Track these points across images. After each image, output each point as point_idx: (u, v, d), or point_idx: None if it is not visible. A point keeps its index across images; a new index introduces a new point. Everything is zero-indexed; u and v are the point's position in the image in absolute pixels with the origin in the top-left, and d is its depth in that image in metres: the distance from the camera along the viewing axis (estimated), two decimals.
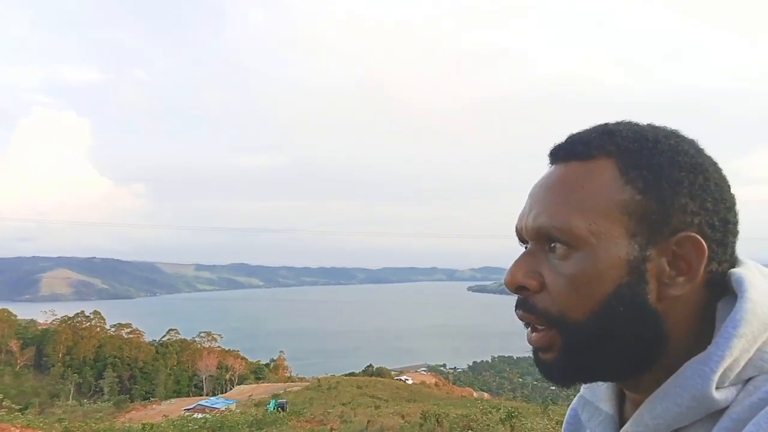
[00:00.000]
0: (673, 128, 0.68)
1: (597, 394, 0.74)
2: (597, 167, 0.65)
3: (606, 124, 0.69)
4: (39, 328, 73.46)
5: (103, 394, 59.12)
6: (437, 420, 13.53)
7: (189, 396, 55.32)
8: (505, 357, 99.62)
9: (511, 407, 15.41)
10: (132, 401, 47.84)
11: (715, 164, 0.66)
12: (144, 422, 17.06)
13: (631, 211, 0.63)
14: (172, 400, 47.64)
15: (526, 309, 0.67)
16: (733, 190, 0.67)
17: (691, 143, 0.67)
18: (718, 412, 0.59)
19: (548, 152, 0.71)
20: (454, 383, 71.63)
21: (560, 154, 0.69)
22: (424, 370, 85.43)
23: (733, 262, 0.66)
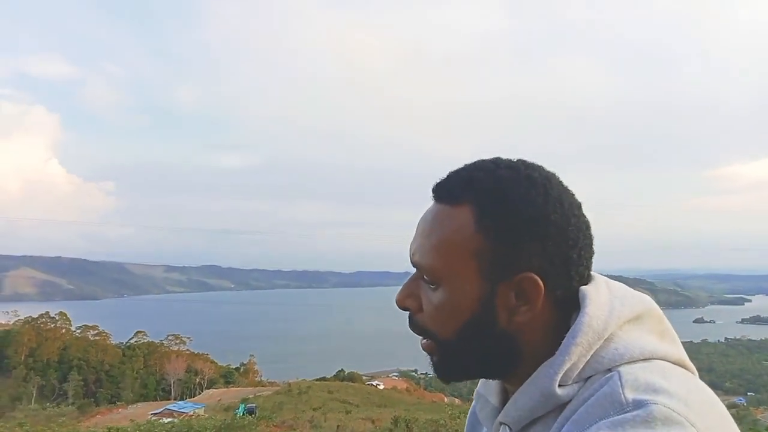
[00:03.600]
0: (528, 172, 0.79)
1: (488, 389, 0.90)
2: (458, 214, 0.79)
3: (474, 169, 0.82)
4: (0, 329, 71.42)
5: (67, 398, 57.61)
6: (407, 425, 13.61)
7: (156, 400, 54.28)
8: None
9: None
10: (97, 405, 46.96)
11: (561, 207, 0.78)
12: (110, 426, 16.76)
13: (482, 256, 0.77)
14: (139, 404, 46.77)
15: (411, 324, 0.84)
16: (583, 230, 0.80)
17: (542, 184, 0.79)
18: (565, 405, 0.74)
19: (432, 187, 0.84)
20: (425, 389, 71.73)
21: (436, 194, 0.83)
22: (396, 375, 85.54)
23: (587, 281, 0.80)
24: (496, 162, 0.82)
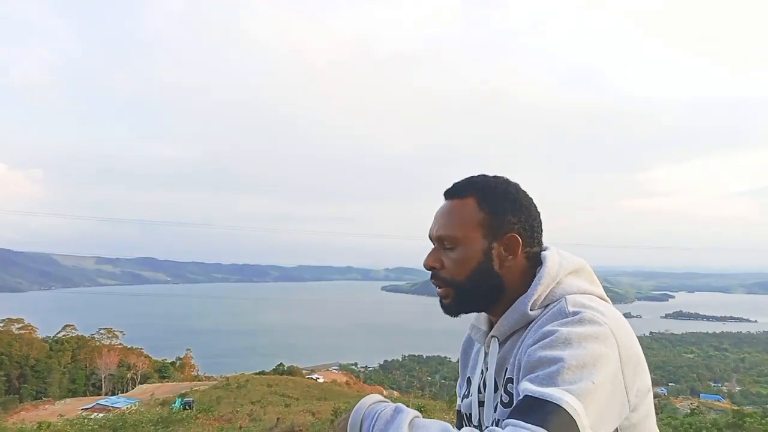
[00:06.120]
0: (505, 179, 1.34)
1: (479, 321, 1.41)
2: (466, 202, 1.30)
3: (471, 177, 1.34)
4: None
5: None
6: None
7: (86, 396, 52.29)
8: (415, 356, 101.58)
9: (420, 404, 15.98)
10: (21, 401, 44.73)
11: (525, 195, 1.32)
12: (40, 421, 16.13)
13: (483, 225, 1.29)
14: (68, 399, 44.90)
15: (435, 278, 1.32)
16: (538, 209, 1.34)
17: (514, 185, 1.33)
18: (531, 322, 1.24)
19: (443, 192, 1.34)
20: (365, 382, 72.20)
21: (448, 194, 1.33)
22: (336, 369, 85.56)
23: (542, 246, 1.33)
24: (484, 174, 1.35)
